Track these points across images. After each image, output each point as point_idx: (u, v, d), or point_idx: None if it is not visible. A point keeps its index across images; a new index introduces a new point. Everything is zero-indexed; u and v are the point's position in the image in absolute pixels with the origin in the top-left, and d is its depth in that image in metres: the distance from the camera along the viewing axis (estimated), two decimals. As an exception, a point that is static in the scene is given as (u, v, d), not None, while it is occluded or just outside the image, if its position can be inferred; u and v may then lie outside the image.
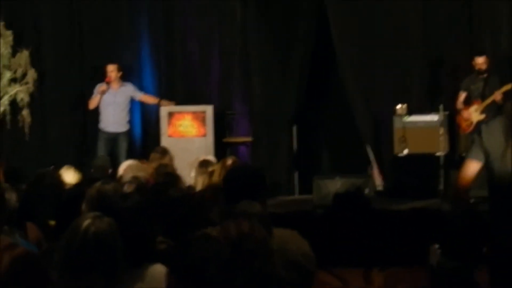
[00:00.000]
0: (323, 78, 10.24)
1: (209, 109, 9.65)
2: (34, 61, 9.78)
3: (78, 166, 7.01)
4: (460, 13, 9.52)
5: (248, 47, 10.10)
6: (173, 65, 10.30)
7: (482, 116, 8.16)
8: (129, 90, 9.68)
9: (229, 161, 6.20)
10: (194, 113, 9.66)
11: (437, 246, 3.23)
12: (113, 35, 10.22)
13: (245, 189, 3.49)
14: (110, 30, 10.23)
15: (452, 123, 8.98)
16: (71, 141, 10.13)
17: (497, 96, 8.04)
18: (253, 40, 10.09)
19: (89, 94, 9.63)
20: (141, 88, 9.93)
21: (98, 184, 4.18)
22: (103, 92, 9.48)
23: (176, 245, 3.68)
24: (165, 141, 9.35)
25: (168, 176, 5.60)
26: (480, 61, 8.25)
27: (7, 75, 9.60)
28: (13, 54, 9.67)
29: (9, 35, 9.68)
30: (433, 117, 9.12)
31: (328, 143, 10.58)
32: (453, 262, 3.00)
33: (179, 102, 9.84)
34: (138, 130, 10.16)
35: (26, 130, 9.70)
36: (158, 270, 3.17)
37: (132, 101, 9.77)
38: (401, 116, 9.26)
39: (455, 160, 8.85)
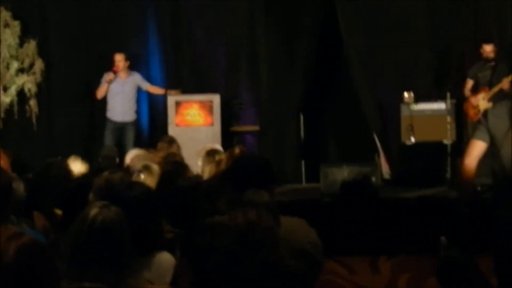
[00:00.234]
0: (330, 66, 10.22)
1: (216, 98, 9.65)
2: (42, 51, 9.80)
3: (85, 156, 7.01)
4: (466, 1, 9.51)
5: (255, 36, 10.08)
6: (180, 54, 10.28)
7: (490, 104, 8.15)
8: (137, 80, 9.67)
9: (237, 150, 6.22)
10: (201, 102, 9.66)
11: (443, 237, 3.24)
12: (120, 25, 10.20)
13: (252, 178, 3.49)
14: (117, 20, 10.20)
15: (459, 111, 8.96)
16: (78, 131, 10.12)
17: (505, 84, 8.02)
18: (260, 29, 10.06)
19: (97, 83, 9.61)
20: (149, 77, 9.92)
21: (105, 174, 4.21)
22: (110, 82, 9.46)
23: (185, 233, 3.70)
24: (172, 130, 9.36)
25: (176, 165, 5.60)
26: (488, 49, 8.23)
27: (15, 65, 9.62)
28: (21, 44, 9.69)
29: (16, 25, 9.69)
30: (440, 105, 9.09)
31: (335, 132, 10.56)
32: (458, 249, 3.01)
33: (186, 91, 9.84)
34: (145, 120, 10.15)
35: (34, 120, 9.74)
36: (166, 258, 3.19)
37: (140, 91, 9.76)
38: (408, 104, 9.23)
39: (462, 148, 8.82)
